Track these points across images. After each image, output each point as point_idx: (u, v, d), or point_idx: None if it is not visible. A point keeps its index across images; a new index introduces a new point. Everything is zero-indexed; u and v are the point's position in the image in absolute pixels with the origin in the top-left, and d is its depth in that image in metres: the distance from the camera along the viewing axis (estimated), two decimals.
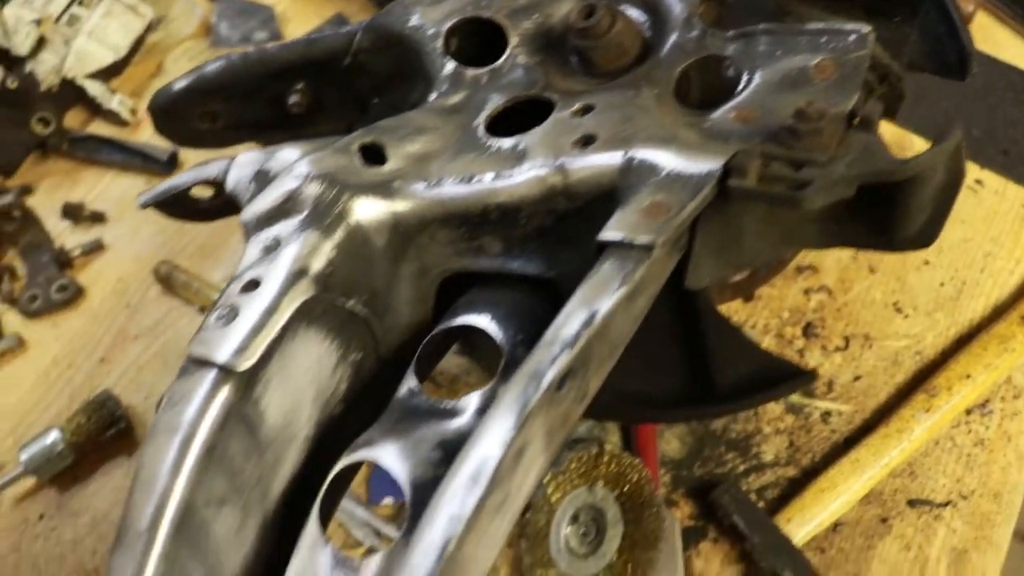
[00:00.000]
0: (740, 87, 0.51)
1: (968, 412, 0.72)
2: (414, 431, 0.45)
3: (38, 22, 0.93)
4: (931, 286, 0.79)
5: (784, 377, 0.57)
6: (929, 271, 0.80)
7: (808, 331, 0.77)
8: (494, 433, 0.36)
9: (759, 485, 0.69)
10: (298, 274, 0.46)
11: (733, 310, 0.77)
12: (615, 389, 0.47)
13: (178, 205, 0.62)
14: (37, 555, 0.75)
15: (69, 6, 0.96)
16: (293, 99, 0.63)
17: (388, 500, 0.71)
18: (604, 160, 0.47)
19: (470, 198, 0.49)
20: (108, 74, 0.96)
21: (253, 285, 0.46)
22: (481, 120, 0.54)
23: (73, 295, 0.85)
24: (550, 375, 0.37)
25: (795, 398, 0.73)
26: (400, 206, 0.50)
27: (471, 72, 0.57)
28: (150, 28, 1.01)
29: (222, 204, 0.62)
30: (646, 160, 0.46)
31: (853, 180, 0.43)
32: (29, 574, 0.74)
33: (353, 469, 0.45)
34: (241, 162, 0.55)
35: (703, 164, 0.45)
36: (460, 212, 0.50)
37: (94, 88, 0.93)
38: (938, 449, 0.71)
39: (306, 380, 0.48)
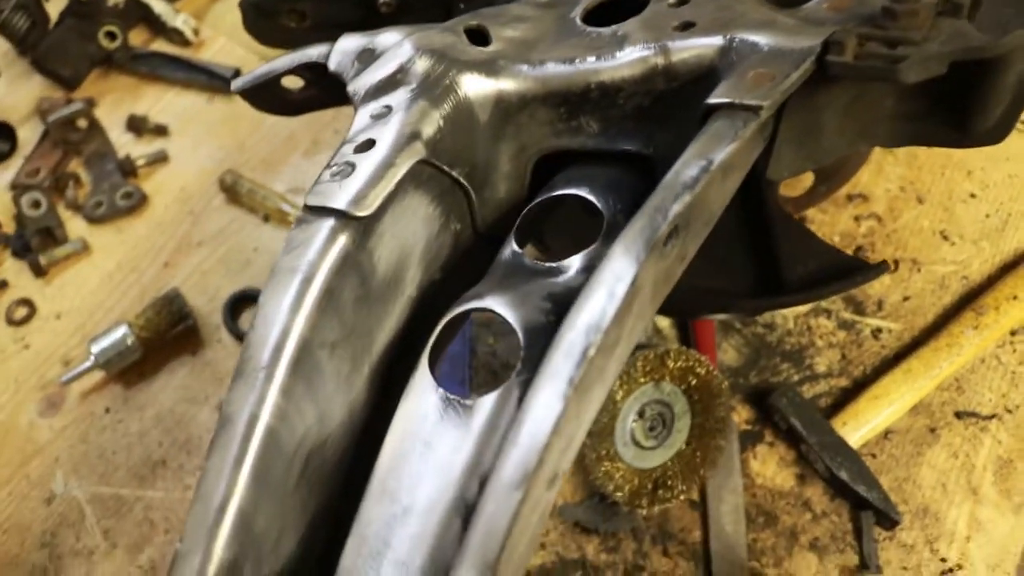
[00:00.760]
0: None
1: (1013, 333, 0.74)
2: (521, 286, 0.47)
3: None
4: (977, 217, 0.81)
5: (855, 270, 0.59)
6: (975, 203, 0.82)
7: (858, 254, 0.79)
8: (624, 258, 0.38)
9: (813, 394, 0.72)
10: (411, 136, 0.48)
11: None
12: (688, 285, 0.49)
13: (268, 94, 0.64)
14: (104, 446, 0.77)
15: None
16: None
17: None
18: (706, 41, 0.49)
19: (573, 77, 0.51)
20: None
21: (369, 144, 0.48)
22: (577, 12, 0.56)
23: (137, 202, 0.87)
24: (675, 208, 0.40)
25: (847, 315, 0.75)
26: (504, 83, 0.52)
27: None
28: None
29: (311, 97, 0.64)
30: (747, 39, 0.48)
31: (946, 57, 0.45)
32: (97, 463, 0.76)
33: (462, 318, 0.47)
34: (343, 44, 0.57)
35: (803, 41, 0.47)
36: (561, 91, 0.52)
37: (159, 6, 0.95)
38: (984, 366, 0.73)
39: (413, 240, 0.50)
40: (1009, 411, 0.71)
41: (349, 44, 0.57)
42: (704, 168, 0.41)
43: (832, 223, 0.81)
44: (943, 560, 0.66)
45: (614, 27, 0.53)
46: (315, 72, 0.59)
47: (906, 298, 0.77)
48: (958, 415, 0.71)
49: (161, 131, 0.92)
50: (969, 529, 0.66)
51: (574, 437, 0.39)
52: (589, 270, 0.47)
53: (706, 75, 0.49)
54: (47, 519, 0.74)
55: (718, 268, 0.63)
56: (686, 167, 0.42)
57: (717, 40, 0.49)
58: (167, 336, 0.78)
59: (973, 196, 0.83)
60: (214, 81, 0.93)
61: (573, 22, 0.56)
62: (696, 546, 0.67)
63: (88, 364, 0.77)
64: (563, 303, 0.46)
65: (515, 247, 0.50)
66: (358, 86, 0.53)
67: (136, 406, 0.78)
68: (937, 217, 0.82)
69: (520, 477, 0.35)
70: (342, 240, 0.45)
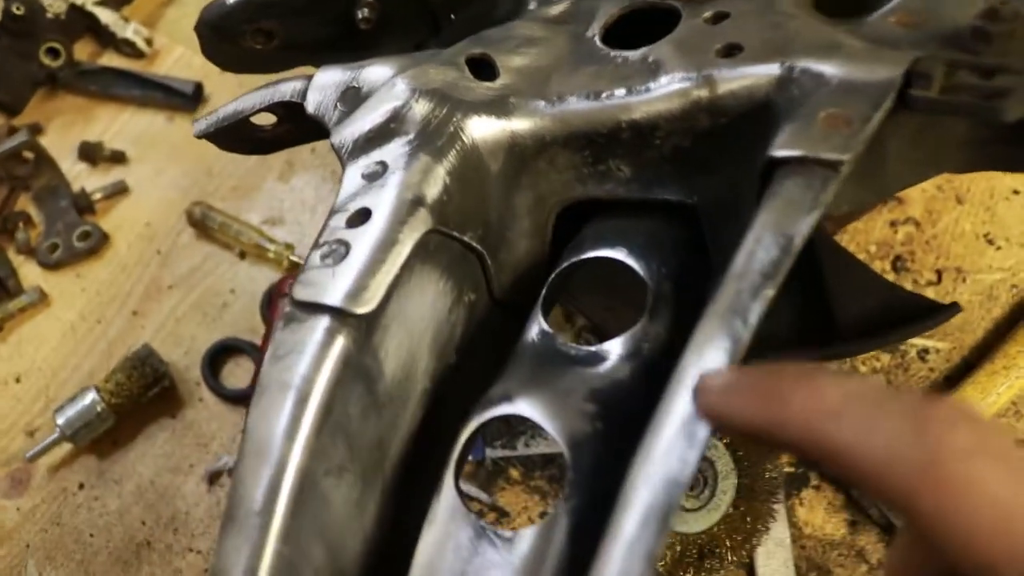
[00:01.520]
0: None
1: None
2: (557, 381, 0.39)
3: None
4: (1022, 216, 0.75)
5: (919, 312, 0.53)
6: (1019, 200, 0.75)
7: (897, 265, 0.72)
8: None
9: None
10: (414, 203, 0.40)
11: None
12: None
13: (236, 134, 0.55)
14: (80, 528, 0.69)
15: None
16: (362, 12, 0.56)
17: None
18: (759, 70, 0.41)
19: (599, 114, 0.43)
20: (119, 1, 0.87)
21: (364, 216, 0.40)
22: (595, 31, 0.48)
23: (97, 242, 0.78)
24: (756, 309, 0.32)
25: None
26: (518, 124, 0.44)
27: None
28: None
29: (285, 132, 0.56)
30: (810, 68, 0.40)
31: None
32: (74, 548, 0.69)
33: (488, 427, 0.40)
34: (321, 80, 0.48)
35: (879, 71, 0.39)
36: (586, 131, 0.44)
37: (105, 15, 0.85)
38: None
39: (423, 325, 0.42)
40: None
41: (328, 79, 0.49)
42: (784, 249, 0.34)
43: (867, 231, 0.74)
44: None
45: (643, 50, 0.45)
46: (290, 109, 0.51)
47: None
48: (1019, 444, 0.65)
49: (118, 158, 0.83)
50: None
51: None
52: (635, 356, 0.40)
53: (759, 110, 0.42)
54: None
55: None
56: (760, 247, 0.34)
57: (773, 69, 0.41)
58: (142, 400, 0.70)
59: (1016, 192, 0.76)
60: (173, 98, 0.83)
61: (592, 43, 0.47)
62: None
63: (55, 437, 0.69)
64: (609, 404, 0.39)
65: (544, 325, 0.42)
66: (344, 137, 0.44)
67: (113, 479, 0.71)
68: (979, 218, 0.75)
69: None
70: (340, 343, 0.37)
